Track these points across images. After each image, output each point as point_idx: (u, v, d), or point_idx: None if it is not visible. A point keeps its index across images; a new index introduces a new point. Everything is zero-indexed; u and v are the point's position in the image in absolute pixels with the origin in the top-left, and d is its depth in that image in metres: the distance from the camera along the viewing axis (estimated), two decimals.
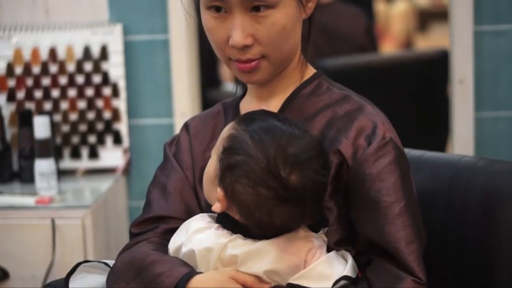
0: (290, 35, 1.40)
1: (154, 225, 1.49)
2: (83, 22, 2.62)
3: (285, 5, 1.37)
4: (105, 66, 2.60)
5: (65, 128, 2.62)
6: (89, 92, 2.60)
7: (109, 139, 2.62)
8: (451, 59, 2.59)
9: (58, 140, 2.61)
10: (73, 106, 2.61)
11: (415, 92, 3.30)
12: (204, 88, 2.96)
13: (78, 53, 2.60)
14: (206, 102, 2.86)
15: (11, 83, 2.61)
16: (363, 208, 1.37)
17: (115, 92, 2.60)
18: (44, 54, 2.61)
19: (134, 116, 2.65)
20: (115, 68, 2.60)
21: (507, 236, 1.46)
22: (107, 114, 2.61)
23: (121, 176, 2.62)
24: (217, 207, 1.34)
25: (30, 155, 2.49)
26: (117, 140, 2.62)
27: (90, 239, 2.27)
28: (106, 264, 1.49)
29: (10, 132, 2.60)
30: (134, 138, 2.66)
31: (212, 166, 1.37)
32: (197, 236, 1.36)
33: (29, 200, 2.32)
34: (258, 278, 1.32)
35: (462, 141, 2.56)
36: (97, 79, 2.60)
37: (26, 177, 2.52)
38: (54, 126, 2.53)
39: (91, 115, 2.61)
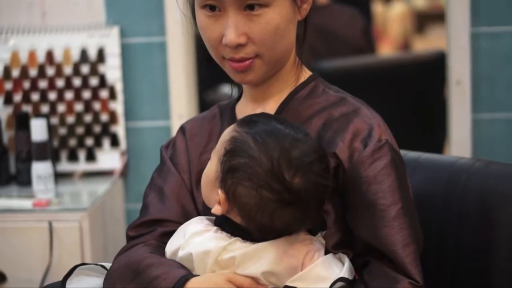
0: (283, 35, 1.40)
1: (151, 228, 1.49)
2: (80, 24, 2.62)
3: (279, 4, 1.37)
4: (102, 68, 2.60)
5: (62, 130, 2.61)
6: (86, 94, 2.60)
7: (106, 142, 2.62)
8: (448, 60, 2.59)
9: (55, 142, 2.60)
10: (70, 109, 2.61)
11: (412, 94, 3.30)
12: (201, 91, 2.96)
13: (75, 55, 2.60)
14: (203, 104, 2.86)
15: (8, 86, 2.61)
16: (360, 210, 1.37)
17: (112, 95, 2.60)
18: (41, 57, 2.60)
19: (131, 119, 2.65)
20: (112, 71, 2.60)
21: (504, 238, 1.47)
22: (104, 117, 2.61)
23: (119, 179, 2.62)
24: (217, 209, 1.34)
25: (27, 158, 2.48)
26: (114, 142, 2.62)
27: (88, 242, 2.27)
28: (103, 266, 1.49)
29: (7, 135, 2.60)
30: (131, 141, 2.66)
31: (212, 169, 1.37)
32: (195, 239, 1.36)
33: (26, 203, 2.31)
34: (255, 280, 1.32)
35: (459, 143, 2.56)
36: (94, 81, 2.60)
37: (23, 180, 2.51)
38: (51, 129, 2.53)
39: (88, 118, 2.61)
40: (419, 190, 1.55)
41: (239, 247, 1.32)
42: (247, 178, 1.29)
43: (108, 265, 1.48)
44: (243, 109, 1.50)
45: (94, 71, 2.60)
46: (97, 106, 2.60)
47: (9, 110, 2.61)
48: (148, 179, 1.56)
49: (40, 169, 2.36)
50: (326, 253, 1.37)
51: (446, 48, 2.62)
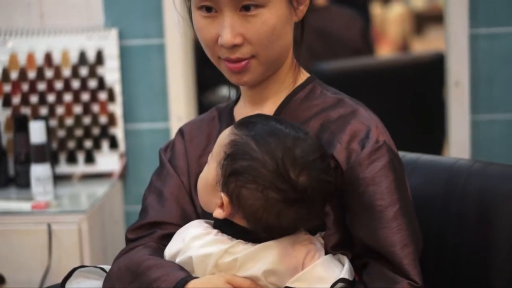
0: (280, 36, 1.40)
1: (150, 230, 1.49)
2: (79, 26, 2.62)
3: (275, 5, 1.38)
4: (100, 70, 2.60)
5: (61, 133, 2.61)
6: (85, 96, 2.60)
7: (105, 144, 2.62)
8: (447, 62, 2.60)
9: (54, 145, 2.60)
10: (69, 111, 2.60)
11: (411, 95, 3.30)
12: (200, 93, 2.96)
13: (74, 57, 2.60)
14: (202, 106, 2.86)
15: (7, 88, 2.61)
16: (358, 212, 1.37)
17: (111, 97, 2.60)
18: (39, 59, 2.60)
19: (130, 121, 2.65)
20: (111, 73, 2.60)
21: (503, 239, 1.47)
22: (103, 119, 2.61)
23: (117, 181, 2.62)
24: (219, 213, 1.33)
25: (26, 160, 2.48)
26: (113, 144, 2.62)
27: (87, 244, 2.27)
28: (102, 269, 1.49)
29: (5, 137, 2.60)
30: (130, 143, 2.66)
31: (211, 173, 1.36)
32: (195, 242, 1.35)
33: (25, 205, 2.31)
34: (254, 282, 1.32)
35: (458, 144, 2.56)
36: (92, 83, 2.60)
37: (22, 182, 2.51)
38: (50, 131, 2.53)
39: (87, 120, 2.61)
40: (418, 191, 1.55)
41: (241, 249, 1.32)
42: (252, 181, 1.29)
43: (107, 267, 1.48)
44: (241, 111, 1.50)
45: (92, 73, 2.60)
46: (96, 108, 2.60)
47: (8, 112, 2.61)
48: (147, 181, 1.56)
49: (39, 171, 2.36)
50: (326, 254, 1.37)
51: (445, 49, 2.62)
